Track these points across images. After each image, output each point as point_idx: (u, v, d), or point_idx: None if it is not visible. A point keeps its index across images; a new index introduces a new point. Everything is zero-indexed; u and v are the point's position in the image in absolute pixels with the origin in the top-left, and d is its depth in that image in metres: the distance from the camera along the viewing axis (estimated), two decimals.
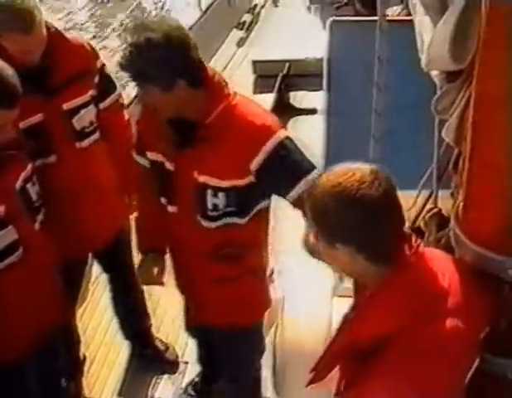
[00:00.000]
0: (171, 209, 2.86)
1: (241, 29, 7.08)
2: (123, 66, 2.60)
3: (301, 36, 6.70)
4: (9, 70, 2.64)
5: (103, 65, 3.32)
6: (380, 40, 2.66)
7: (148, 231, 3.09)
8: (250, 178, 2.67)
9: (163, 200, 2.89)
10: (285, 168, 2.64)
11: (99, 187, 3.34)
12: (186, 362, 3.96)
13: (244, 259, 2.87)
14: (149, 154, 2.88)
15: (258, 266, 2.93)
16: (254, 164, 2.62)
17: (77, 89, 3.20)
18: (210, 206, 2.73)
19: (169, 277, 3.13)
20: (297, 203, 2.61)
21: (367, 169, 1.91)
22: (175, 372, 3.94)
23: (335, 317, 3.15)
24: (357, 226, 1.89)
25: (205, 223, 2.78)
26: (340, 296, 3.23)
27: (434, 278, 1.96)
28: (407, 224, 2.41)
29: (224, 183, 2.68)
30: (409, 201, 2.59)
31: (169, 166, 2.78)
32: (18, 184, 2.82)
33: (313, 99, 5.78)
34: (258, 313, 3.07)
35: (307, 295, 3.29)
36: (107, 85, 3.34)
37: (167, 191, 2.86)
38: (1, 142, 2.68)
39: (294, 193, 2.65)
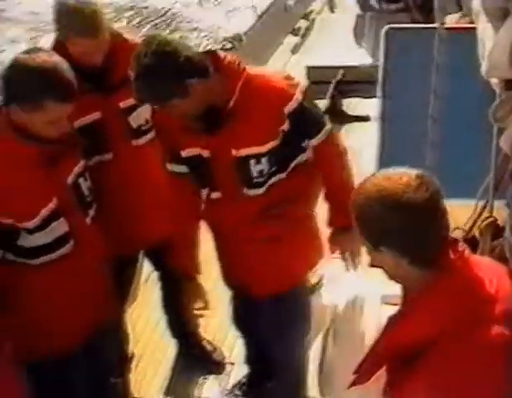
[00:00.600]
0: (214, 196, 3.00)
1: (296, 35, 7.08)
2: (141, 100, 2.83)
3: (356, 42, 6.68)
4: (64, 65, 2.70)
5: None
6: (439, 47, 2.65)
7: (187, 255, 3.18)
8: (282, 136, 2.91)
9: (205, 191, 3.02)
10: (307, 122, 2.95)
11: (153, 185, 3.37)
12: (233, 363, 3.97)
13: (291, 213, 3.02)
14: (183, 153, 2.98)
15: (303, 221, 3.07)
16: (284, 125, 2.89)
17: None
18: (255, 173, 2.93)
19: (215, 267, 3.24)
20: (317, 148, 2.99)
21: (413, 173, 1.92)
22: (221, 373, 3.96)
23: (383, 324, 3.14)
24: (401, 230, 1.90)
25: (252, 192, 2.97)
26: (389, 304, 3.22)
27: (480, 283, 1.94)
28: (462, 232, 2.40)
29: (264, 148, 2.90)
30: (465, 209, 2.58)
31: (205, 154, 2.93)
32: (71, 178, 2.87)
33: (366, 106, 5.75)
34: (306, 271, 3.18)
35: (357, 302, 3.28)
36: None
37: (208, 180, 3.00)
38: (56, 136, 2.74)
39: (315, 141, 2.99)
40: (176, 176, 3.07)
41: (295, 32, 7.11)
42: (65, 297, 2.91)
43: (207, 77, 2.78)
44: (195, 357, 3.99)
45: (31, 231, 2.77)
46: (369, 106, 5.57)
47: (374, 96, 4.08)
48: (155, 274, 3.97)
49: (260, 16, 7.26)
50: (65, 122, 2.75)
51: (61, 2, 3.07)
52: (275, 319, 3.20)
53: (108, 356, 3.29)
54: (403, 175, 1.91)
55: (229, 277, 3.26)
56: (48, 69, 2.64)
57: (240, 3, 10.61)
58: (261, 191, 2.97)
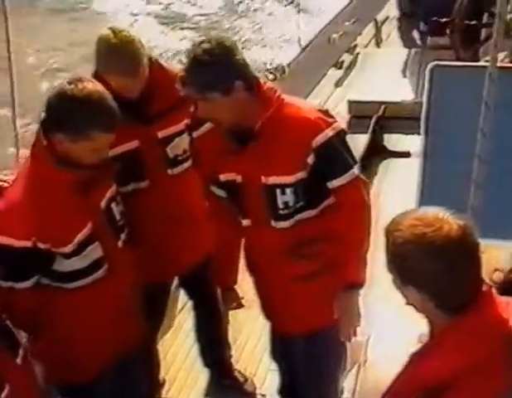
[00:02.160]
0: (245, 223, 3.02)
1: (340, 68, 7.09)
2: (184, 83, 2.82)
3: (399, 78, 6.68)
4: (108, 95, 2.75)
5: None
6: (489, 86, 2.63)
7: (227, 269, 3.22)
8: (309, 170, 2.86)
9: (239, 217, 3.04)
10: (333, 161, 2.89)
11: (187, 213, 3.40)
12: (264, 395, 3.94)
13: (325, 252, 2.96)
14: (221, 177, 3.01)
15: (335, 262, 2.95)
16: (310, 158, 2.84)
17: (173, 118, 3.29)
18: (280, 205, 2.90)
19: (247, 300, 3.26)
20: (337, 191, 2.90)
21: (455, 224, 1.90)
22: None
23: None
24: (433, 278, 1.91)
25: (279, 224, 2.94)
26: None
27: (504, 324, 1.92)
28: (502, 274, 2.36)
29: (290, 179, 2.87)
30: (506, 250, 2.54)
31: (238, 179, 2.95)
32: (104, 203, 2.91)
33: (407, 142, 5.74)
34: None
35: (392, 339, 3.24)
36: None
37: (241, 206, 3.01)
38: (95, 162, 2.78)
39: (336, 182, 2.89)
40: (217, 197, 3.10)
41: (339, 66, 7.12)
42: (97, 320, 2.92)
43: (251, 93, 2.82)
44: (226, 387, 3.97)
45: (67, 256, 2.80)
46: (410, 142, 5.57)
47: (416, 132, 4.07)
48: (188, 302, 3.97)
49: (304, 49, 7.30)
50: (106, 149, 2.80)
51: (103, 38, 3.10)
52: (308, 357, 3.17)
53: (137, 381, 3.28)
54: (444, 224, 1.90)
55: (264, 310, 3.25)
56: (94, 100, 2.68)
57: (284, 35, 10.72)
58: (287, 224, 2.93)
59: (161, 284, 3.53)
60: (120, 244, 2.98)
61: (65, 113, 2.69)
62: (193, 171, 3.40)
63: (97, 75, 3.10)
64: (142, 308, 3.13)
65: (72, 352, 2.90)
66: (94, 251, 2.85)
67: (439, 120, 3.70)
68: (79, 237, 2.79)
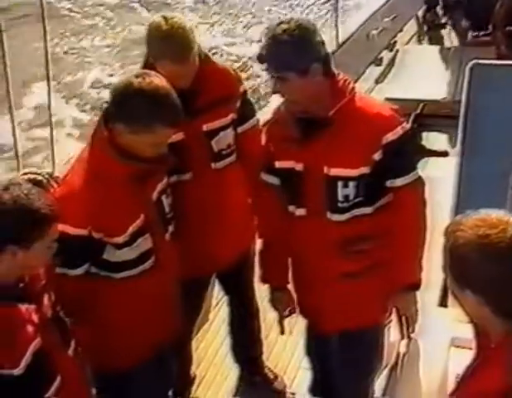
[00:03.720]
0: (298, 212, 2.98)
1: (379, 65, 7.02)
2: (263, 59, 2.81)
3: (440, 75, 6.60)
4: (173, 91, 2.76)
5: (246, 90, 3.41)
6: None
7: (276, 266, 3.17)
8: (373, 165, 2.83)
9: (292, 207, 3.00)
10: (399, 159, 2.86)
11: (228, 209, 3.39)
12: (293, 393, 3.92)
13: (373, 252, 2.94)
14: (278, 164, 2.99)
15: (384, 260, 2.95)
16: (377, 154, 2.81)
17: (219, 112, 3.28)
18: (340, 197, 2.87)
19: None
20: (399, 190, 2.88)
21: None
22: None
23: (451, 367, 3.05)
24: (494, 282, 1.85)
25: (334, 217, 2.91)
26: (458, 346, 3.14)
27: None
28: None
29: (354, 172, 2.84)
30: None
31: (298, 167, 2.92)
32: (155, 195, 2.92)
33: (445, 140, 5.67)
34: (383, 312, 3.08)
35: (426, 342, 3.20)
36: (247, 110, 3.41)
37: (296, 195, 2.98)
38: (153, 156, 2.79)
39: (400, 182, 2.87)
40: (268, 187, 3.08)
41: (378, 62, 7.05)
42: (140, 311, 2.94)
43: (327, 78, 2.80)
44: (256, 384, 3.96)
45: (119, 246, 2.82)
46: (448, 141, 5.50)
47: (454, 131, 4.02)
48: (220, 297, 3.97)
49: (341, 45, 7.24)
50: (166, 144, 2.81)
51: (154, 25, 3.10)
52: (344, 357, 3.14)
53: (171, 374, 3.30)
54: (509, 226, 1.85)
55: (302, 306, 3.22)
56: (161, 94, 2.70)
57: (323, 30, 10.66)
58: (343, 217, 2.91)
59: (198, 279, 3.51)
60: (168, 236, 3.00)
61: (131, 104, 2.70)
62: (236, 166, 3.41)
63: (147, 65, 3.11)
64: (180, 301, 3.13)
65: (113, 340, 2.92)
66: (145, 243, 2.87)
67: (478, 120, 3.66)
68: (132, 228, 2.81)
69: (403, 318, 3.03)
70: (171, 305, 3.04)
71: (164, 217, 2.98)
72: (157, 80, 2.73)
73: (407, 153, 2.91)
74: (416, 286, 3.00)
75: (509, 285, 1.84)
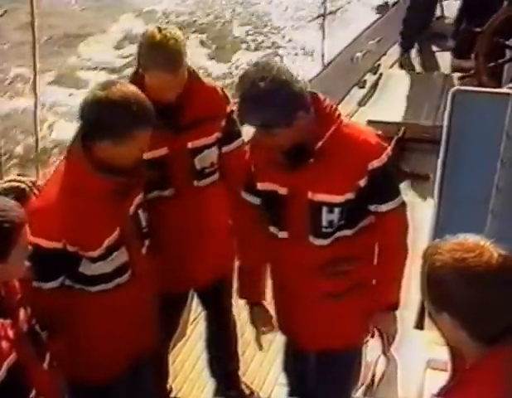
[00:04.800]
0: (281, 235, 2.99)
1: (362, 88, 7.08)
2: (244, 121, 2.82)
3: (422, 100, 6.67)
4: (141, 93, 2.79)
5: (232, 110, 3.39)
6: (510, 114, 2.62)
7: (254, 283, 3.19)
8: (357, 191, 2.86)
9: (273, 229, 3.01)
10: (384, 185, 2.91)
11: (208, 228, 3.39)
12: None
13: (353, 273, 2.97)
14: (260, 185, 3.00)
15: (365, 281, 3.01)
16: (363, 180, 2.84)
17: (204, 130, 3.29)
18: (325, 223, 2.89)
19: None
20: (383, 215, 2.92)
21: (496, 252, 1.90)
22: None
23: (427, 389, 3.08)
24: (470, 306, 1.88)
25: (317, 241, 2.93)
26: (434, 368, 3.16)
27: None
28: None
29: (340, 198, 2.86)
30: None
31: (282, 191, 2.92)
32: (132, 209, 2.93)
33: (426, 165, 5.72)
34: (362, 332, 3.11)
35: (402, 363, 3.23)
36: (233, 130, 3.40)
37: (279, 218, 2.98)
38: (130, 170, 2.80)
39: (385, 207, 2.91)
40: (248, 205, 3.09)
41: (361, 85, 7.11)
42: (116, 323, 2.95)
43: (309, 113, 2.80)
44: None
45: (94, 260, 2.82)
46: (429, 165, 5.55)
47: (435, 156, 4.06)
48: (197, 312, 3.97)
49: (326, 66, 7.29)
50: (147, 147, 2.83)
51: (148, 35, 3.13)
52: (322, 375, 3.16)
53: (149, 387, 3.29)
54: (485, 251, 1.89)
55: (281, 324, 3.23)
56: (131, 99, 2.72)
57: (307, 51, 10.72)
58: (326, 242, 2.93)
59: (176, 294, 3.51)
60: (144, 250, 3.01)
61: (107, 118, 2.72)
62: (219, 185, 3.42)
63: (134, 79, 3.13)
64: (157, 315, 3.13)
65: (88, 353, 2.93)
66: (120, 256, 2.88)
67: (459, 145, 3.70)
68: (108, 242, 2.82)
69: (385, 337, 3.06)
70: (146, 318, 3.05)
71: (140, 231, 2.99)
72: (122, 86, 2.75)
73: (392, 179, 2.96)
74: (396, 306, 3.05)
75: (484, 309, 1.87)
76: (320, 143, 2.80)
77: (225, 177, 3.42)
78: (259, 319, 3.22)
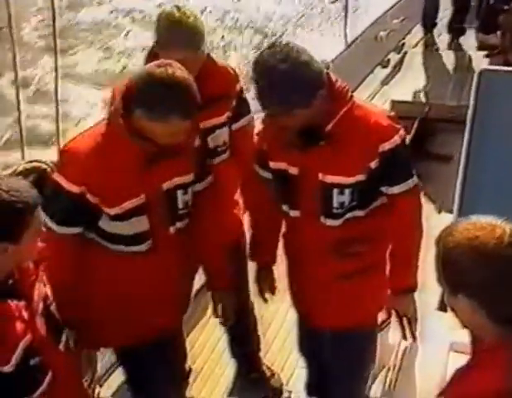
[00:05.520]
0: (293, 214, 3.00)
1: (385, 67, 7.02)
2: (266, 104, 2.77)
3: (447, 79, 6.59)
4: (193, 82, 2.75)
5: (242, 88, 3.44)
6: None
7: (264, 246, 3.23)
8: (368, 173, 2.84)
9: (285, 207, 3.02)
10: (396, 167, 2.88)
11: (221, 205, 3.35)
12: (290, 391, 3.93)
13: (366, 253, 2.97)
14: (272, 164, 2.99)
15: (378, 262, 3.01)
16: (374, 162, 2.82)
17: (216, 110, 3.31)
18: (336, 204, 2.88)
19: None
20: (395, 197, 2.90)
21: (508, 229, 1.86)
22: None
23: (449, 372, 3.05)
24: (485, 284, 1.85)
25: (328, 222, 2.93)
26: (457, 352, 3.13)
27: None
28: None
29: (350, 180, 2.84)
30: None
31: (293, 171, 2.91)
32: (166, 185, 2.89)
33: (450, 145, 5.66)
34: (375, 312, 3.12)
35: (425, 346, 3.21)
36: (242, 108, 3.45)
37: (290, 197, 2.99)
38: (168, 144, 2.79)
39: (397, 189, 2.89)
40: (260, 180, 3.10)
41: (385, 64, 7.05)
42: (131, 291, 2.95)
43: (327, 91, 2.78)
44: (252, 380, 3.96)
45: (111, 218, 2.83)
46: (454, 146, 5.48)
47: (460, 136, 4.01)
48: None
49: (349, 45, 7.23)
50: (182, 135, 2.79)
51: (166, 14, 3.12)
52: (336, 353, 3.16)
53: (170, 363, 3.29)
54: (497, 228, 1.86)
55: (295, 301, 3.25)
56: (179, 86, 2.69)
57: (331, 31, 10.63)
58: (337, 223, 2.93)
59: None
60: (172, 230, 2.97)
61: (150, 93, 2.70)
62: (229, 163, 3.44)
63: (149, 60, 3.10)
64: (183, 296, 3.13)
65: (102, 314, 2.94)
66: (140, 223, 2.87)
67: (485, 126, 3.64)
68: (127, 204, 2.81)
69: (404, 320, 3.04)
70: (168, 294, 3.03)
71: (174, 211, 2.96)
72: (179, 71, 2.72)
73: (404, 161, 2.93)
74: (413, 288, 3.03)
75: (500, 287, 1.84)
76: (331, 125, 2.79)
77: (235, 154, 3.45)
78: (265, 282, 3.28)
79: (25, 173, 3.03)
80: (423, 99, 6.31)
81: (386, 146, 2.82)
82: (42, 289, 2.56)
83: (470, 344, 2.01)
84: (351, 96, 2.86)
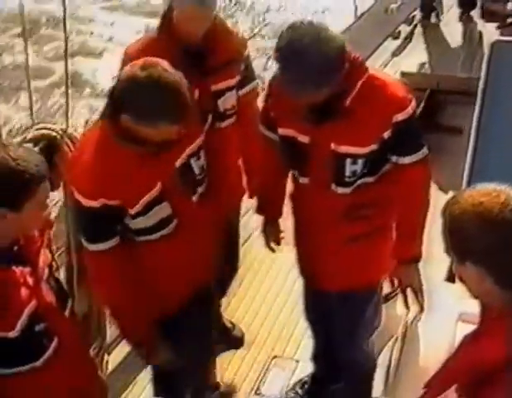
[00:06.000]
0: (302, 180, 3.01)
1: (396, 39, 6.97)
2: (292, 84, 2.67)
3: (458, 51, 6.55)
4: (183, 83, 2.64)
5: (249, 54, 3.49)
6: None
7: (271, 202, 3.28)
8: (382, 143, 2.84)
9: (294, 172, 3.04)
10: (408, 138, 2.87)
11: (226, 168, 3.45)
12: (298, 361, 3.96)
13: (375, 218, 2.99)
14: (280, 130, 2.98)
15: (384, 226, 3.03)
16: (387, 132, 2.81)
17: (226, 73, 3.36)
18: (348, 173, 2.89)
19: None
20: (405, 167, 2.89)
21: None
22: (239, 348, 3.99)
23: (457, 342, 3.06)
24: (492, 249, 1.84)
25: (340, 190, 2.94)
26: (466, 322, 3.14)
27: None
28: None
29: (364, 150, 2.84)
30: None
31: (303, 139, 2.90)
32: (180, 161, 2.85)
33: (460, 117, 5.63)
34: (379, 275, 3.15)
35: (433, 316, 3.21)
36: (248, 74, 3.50)
37: (299, 164, 2.99)
38: (160, 142, 2.73)
39: (407, 160, 2.88)
40: (267, 141, 3.11)
41: (395, 36, 7.00)
42: (167, 270, 2.94)
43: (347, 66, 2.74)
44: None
45: (133, 217, 2.79)
46: (464, 118, 5.46)
47: (470, 108, 3.99)
48: None
49: (359, 17, 7.18)
50: (172, 136, 2.70)
51: None
52: (340, 311, 3.20)
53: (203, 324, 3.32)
54: (502, 193, 1.86)
55: (302, 266, 3.27)
56: (167, 89, 2.57)
57: (340, 2, 10.56)
58: (348, 190, 2.94)
59: None
60: (195, 197, 2.96)
61: (135, 99, 2.59)
62: (235, 127, 3.50)
63: (163, 24, 3.19)
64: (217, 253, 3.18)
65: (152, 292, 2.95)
66: (162, 211, 2.84)
67: (496, 98, 3.63)
68: (146, 199, 2.77)
69: (408, 290, 3.05)
70: (202, 259, 3.03)
71: (192, 180, 2.94)
72: (166, 73, 2.60)
73: (416, 132, 2.92)
74: (417, 259, 3.04)
75: (506, 251, 1.84)
76: (348, 100, 2.76)
77: (240, 119, 3.50)
78: (271, 235, 3.34)
79: (34, 141, 3.02)
80: (434, 71, 6.25)
81: (399, 116, 2.80)
82: (47, 256, 2.56)
83: (479, 313, 2.02)
84: (366, 68, 2.84)
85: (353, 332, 3.24)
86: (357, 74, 2.79)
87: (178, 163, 2.87)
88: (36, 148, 2.93)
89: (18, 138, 3.11)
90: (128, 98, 2.62)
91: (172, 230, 2.90)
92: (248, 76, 3.50)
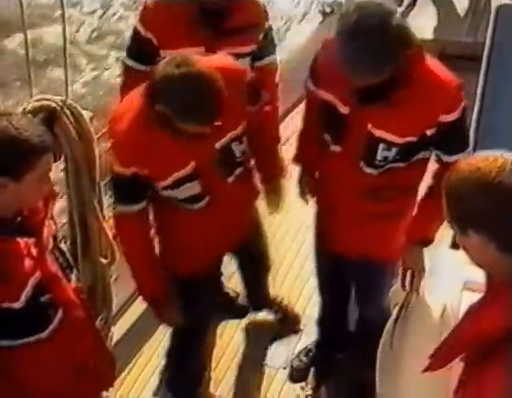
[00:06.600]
0: (333, 148, 2.97)
1: (399, 5, 6.89)
2: (354, 68, 2.58)
3: (462, 16, 6.48)
4: (219, 84, 2.63)
5: (271, 27, 3.40)
6: None
7: (310, 152, 3.19)
8: (423, 138, 2.78)
9: (327, 136, 2.98)
10: (453, 138, 2.80)
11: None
12: (301, 329, 3.96)
13: (400, 199, 2.99)
14: (322, 92, 2.91)
15: (408, 207, 3.03)
16: (431, 130, 2.75)
17: (242, 39, 3.28)
18: (379, 157, 2.85)
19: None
20: (446, 165, 2.78)
21: (510, 157, 1.84)
22: (244, 317, 4.02)
23: (462, 310, 3.05)
24: (491, 214, 1.82)
25: (368, 170, 2.90)
26: (471, 290, 3.13)
27: None
28: None
29: (401, 140, 2.78)
30: None
31: (342, 109, 2.83)
32: (220, 144, 2.89)
33: (466, 83, 5.58)
34: (399, 251, 3.10)
35: (438, 284, 3.21)
36: (268, 46, 3.41)
37: (333, 131, 2.94)
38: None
39: (450, 159, 2.79)
40: (309, 96, 3.08)
41: (398, 2, 6.92)
42: (198, 233, 3.04)
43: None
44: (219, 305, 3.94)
45: (161, 189, 2.88)
46: (469, 83, 5.41)
47: (476, 73, 3.95)
48: None
49: None
50: (206, 131, 2.73)
51: None
52: (361, 277, 3.27)
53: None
54: (499, 157, 1.84)
55: (322, 230, 3.31)
56: (199, 92, 2.59)
57: None
58: (376, 172, 2.90)
59: None
60: (232, 179, 3.00)
61: (168, 96, 2.63)
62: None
63: None
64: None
65: (174, 252, 3.11)
66: (191, 188, 2.90)
67: (502, 62, 3.59)
68: (176, 175, 2.83)
69: (408, 273, 3.03)
70: (228, 231, 3.10)
71: (231, 162, 2.98)
72: (200, 73, 2.60)
73: (461, 134, 2.85)
74: (429, 242, 3.02)
75: (506, 217, 1.81)
76: (399, 89, 2.66)
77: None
78: (306, 186, 3.29)
79: (33, 112, 2.98)
80: (438, 36, 6.19)
81: (447, 118, 2.71)
82: (52, 226, 2.54)
83: (485, 282, 2.01)
84: (425, 58, 2.72)
85: (372, 293, 3.30)
86: (414, 64, 2.67)
87: (218, 145, 2.88)
88: (36, 119, 2.90)
89: (18, 109, 3.07)
90: (163, 94, 2.64)
91: (203, 206, 2.96)
92: (267, 48, 3.40)
